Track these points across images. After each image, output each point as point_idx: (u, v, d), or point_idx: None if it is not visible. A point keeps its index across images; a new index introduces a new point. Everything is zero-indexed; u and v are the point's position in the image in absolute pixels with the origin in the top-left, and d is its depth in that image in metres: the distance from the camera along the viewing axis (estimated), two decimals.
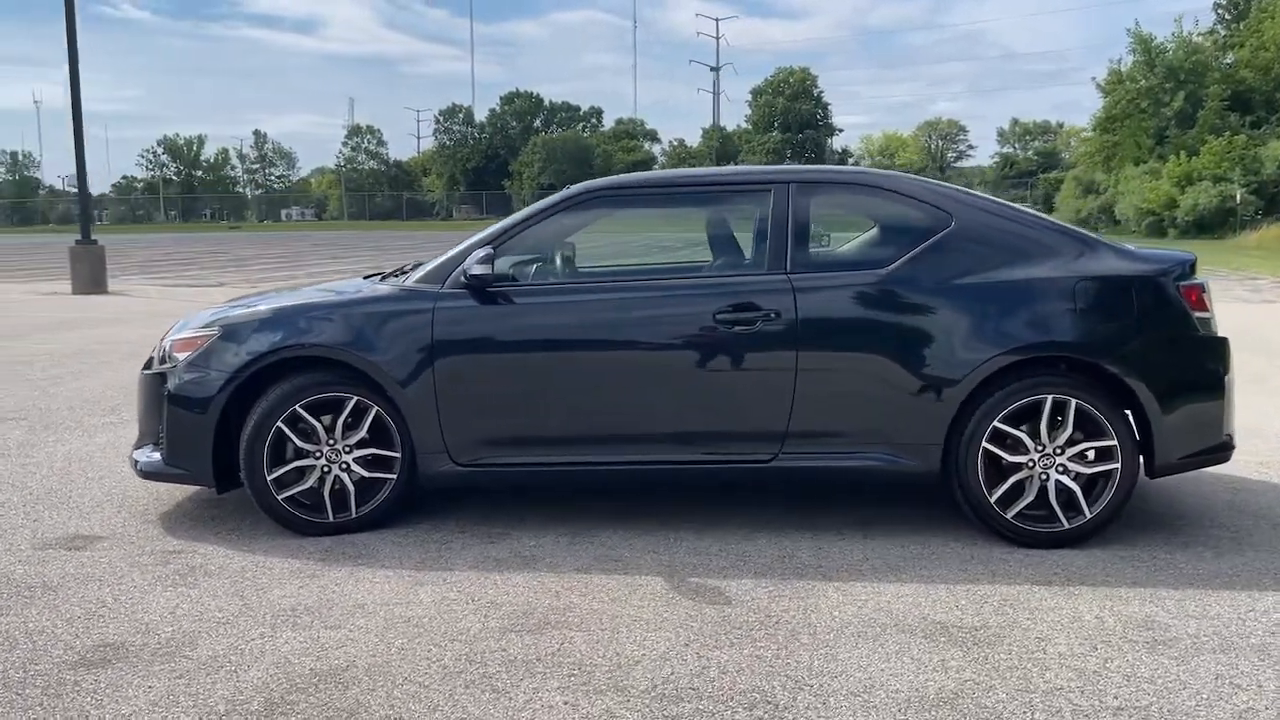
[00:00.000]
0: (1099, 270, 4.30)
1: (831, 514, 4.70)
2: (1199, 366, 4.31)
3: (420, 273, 4.55)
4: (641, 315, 4.39)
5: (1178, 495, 5.05)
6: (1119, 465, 4.22)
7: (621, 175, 4.76)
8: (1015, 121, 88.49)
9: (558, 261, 4.77)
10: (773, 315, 4.27)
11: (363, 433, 4.42)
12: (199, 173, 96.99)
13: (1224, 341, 4.38)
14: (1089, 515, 4.24)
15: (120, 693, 3.02)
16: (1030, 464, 4.25)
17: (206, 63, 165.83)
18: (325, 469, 4.43)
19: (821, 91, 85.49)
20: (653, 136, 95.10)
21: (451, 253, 4.50)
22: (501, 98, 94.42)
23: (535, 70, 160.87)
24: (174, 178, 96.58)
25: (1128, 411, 4.26)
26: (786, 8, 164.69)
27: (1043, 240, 4.39)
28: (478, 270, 4.29)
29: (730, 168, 5.01)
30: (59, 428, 6.64)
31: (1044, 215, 4.67)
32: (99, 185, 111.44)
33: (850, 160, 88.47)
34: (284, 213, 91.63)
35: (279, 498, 4.39)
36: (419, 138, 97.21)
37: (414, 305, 4.40)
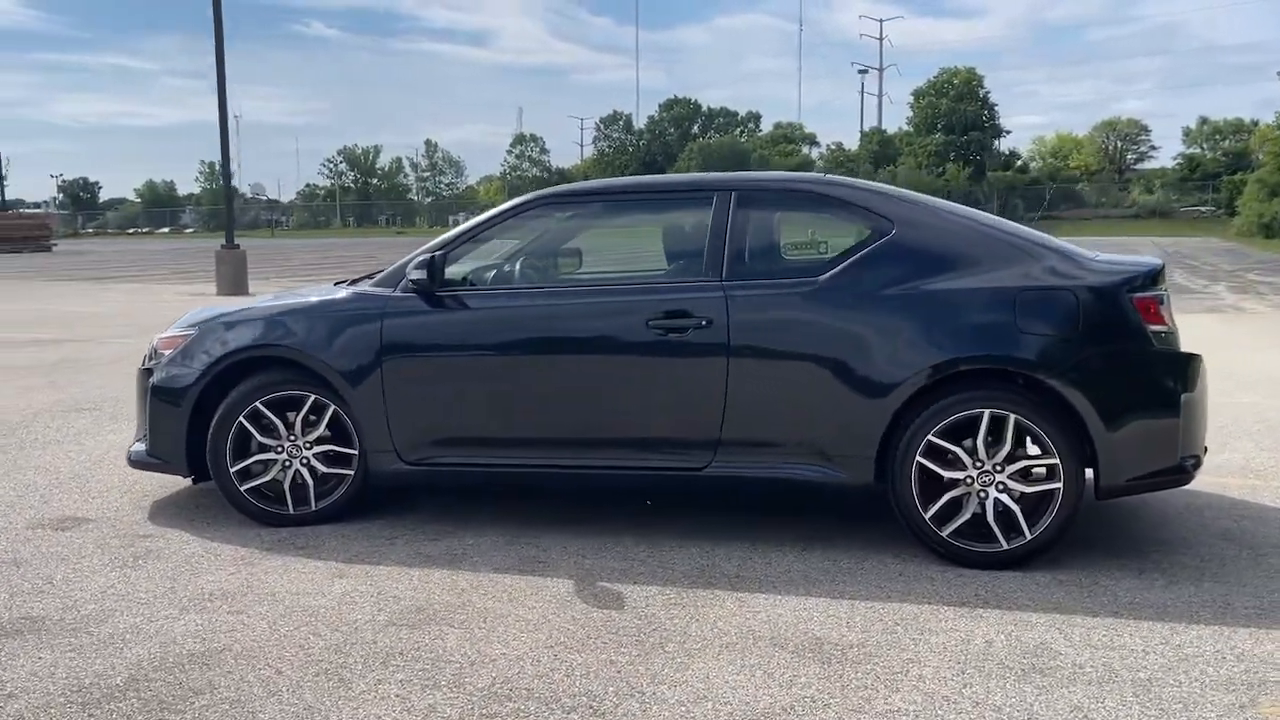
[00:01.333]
0: (1043, 280, 4.11)
1: (782, 526, 4.63)
2: (1150, 383, 4.06)
3: (377, 277, 4.74)
4: (580, 321, 4.44)
5: (1173, 519, 4.76)
6: (1061, 485, 4.02)
7: (572, 184, 4.83)
8: (1204, 120, 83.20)
9: (517, 267, 4.87)
10: (704, 323, 4.26)
11: (321, 430, 4.64)
12: (374, 180, 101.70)
13: (1184, 357, 4.11)
14: (1029, 536, 4.06)
15: (12, 661, 3.29)
16: (968, 481, 4.10)
17: (386, 75, 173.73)
18: (286, 463, 4.67)
19: (988, 92, 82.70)
20: (811, 140, 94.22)
21: (407, 258, 4.66)
22: (660, 104, 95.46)
23: (699, 76, 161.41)
24: (352, 185, 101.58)
25: (1075, 429, 4.05)
26: (958, 7, 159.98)
27: (990, 248, 4.22)
28: (415, 275, 4.44)
29: (678, 175, 5.01)
30: (123, 418, 7.16)
31: (1002, 221, 4.49)
32: (287, 193, 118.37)
33: (1018, 163, 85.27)
34: (451, 218, 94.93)
35: (241, 489, 4.65)
36: (582, 145, 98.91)
37: (366, 308, 4.58)
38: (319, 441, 4.66)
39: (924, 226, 4.28)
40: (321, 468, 4.68)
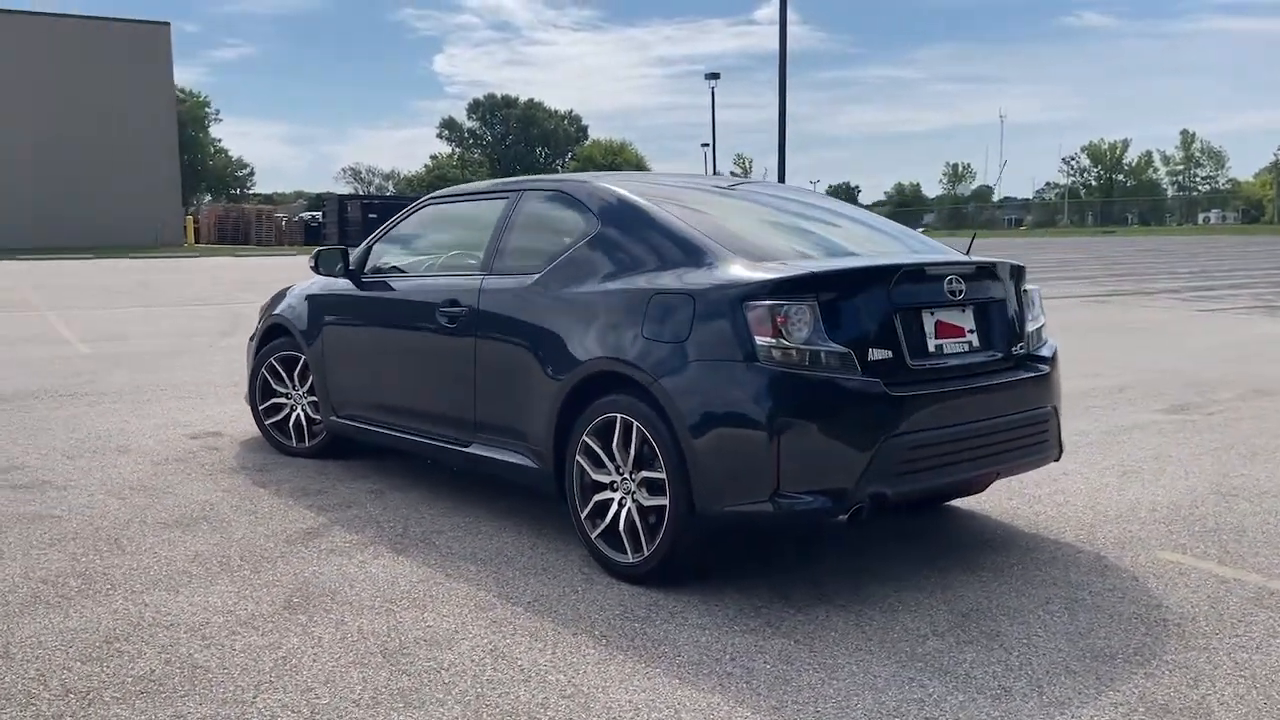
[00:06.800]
0: (673, 285, 3.82)
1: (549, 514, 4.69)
2: (745, 402, 3.49)
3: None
4: (408, 306, 5.04)
5: (1001, 575, 3.84)
6: (668, 502, 3.67)
7: (454, 186, 5.31)
8: None
9: (408, 258, 5.50)
10: (465, 311, 4.62)
11: (310, 384, 5.87)
12: (1119, 177, 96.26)
13: (799, 379, 3.45)
14: (645, 552, 3.78)
15: None
16: (613, 486, 3.94)
17: (1161, 62, 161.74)
18: (292, 408, 5.99)
19: None
20: None
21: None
22: None
23: None
24: (1093, 183, 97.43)
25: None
26: None
27: (666, 250, 4.00)
28: (310, 263, 5.43)
29: (520, 178, 5.14)
30: None
31: (703, 225, 4.09)
32: (1024, 191, 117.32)
33: None
34: (1202, 216, 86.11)
35: (265, 423, 6.08)
36: None
37: (318, 290, 5.69)
38: (309, 393, 5.89)
39: (620, 227, 4.19)
40: (311, 414, 5.91)
